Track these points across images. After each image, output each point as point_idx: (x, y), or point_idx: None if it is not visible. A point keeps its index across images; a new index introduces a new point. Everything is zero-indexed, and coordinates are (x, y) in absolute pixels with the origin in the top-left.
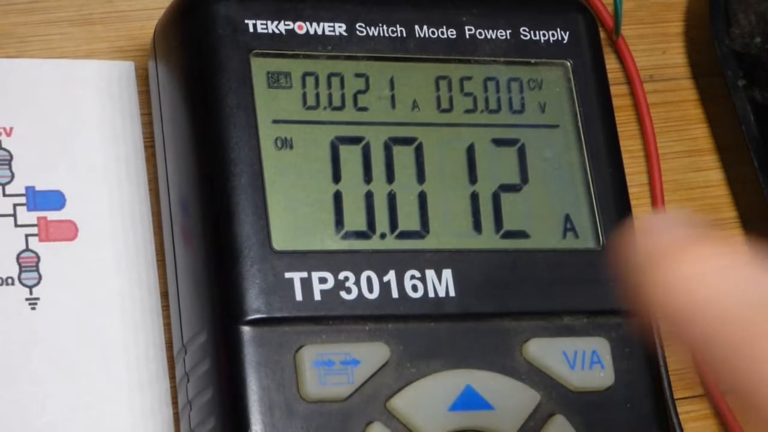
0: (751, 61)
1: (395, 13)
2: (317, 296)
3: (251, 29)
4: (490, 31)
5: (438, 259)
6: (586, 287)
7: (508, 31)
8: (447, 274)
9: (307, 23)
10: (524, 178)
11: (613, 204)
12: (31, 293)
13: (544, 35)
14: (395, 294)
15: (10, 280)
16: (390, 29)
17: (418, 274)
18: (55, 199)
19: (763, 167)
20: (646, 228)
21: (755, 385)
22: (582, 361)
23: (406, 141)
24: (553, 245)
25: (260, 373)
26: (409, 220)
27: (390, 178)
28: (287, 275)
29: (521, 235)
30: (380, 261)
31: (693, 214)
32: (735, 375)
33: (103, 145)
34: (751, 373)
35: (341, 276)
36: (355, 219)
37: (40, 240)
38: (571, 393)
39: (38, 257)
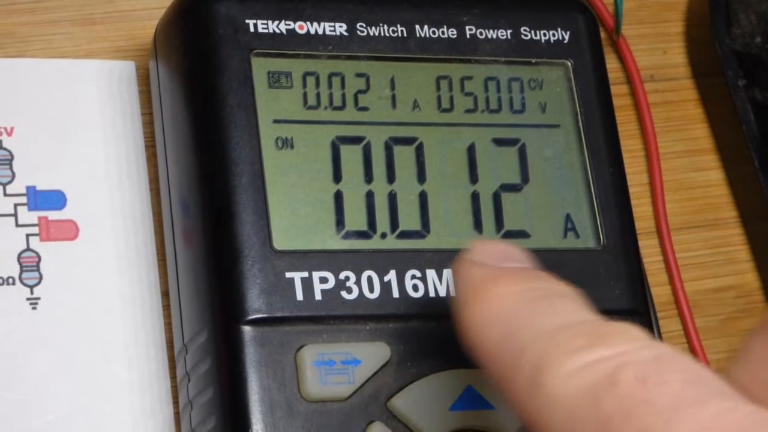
0: (752, 60)
1: (396, 12)
2: (318, 296)
3: (252, 29)
4: (491, 31)
5: (439, 259)
6: (587, 287)
7: (509, 31)
8: (448, 273)
9: (308, 23)
10: (525, 178)
11: (614, 204)
12: (32, 293)
13: (544, 35)
14: (396, 294)
15: (11, 280)
16: (391, 29)
17: (418, 273)
18: (55, 199)
19: (764, 167)
20: (460, 262)
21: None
22: None
23: (407, 141)
24: (554, 245)
25: (261, 373)
26: (409, 219)
27: (391, 177)
28: (288, 275)
29: (522, 234)
30: (381, 261)
31: (510, 245)
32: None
33: (104, 145)
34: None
35: (342, 276)
36: (356, 219)
37: (41, 240)
38: None
39: (39, 257)
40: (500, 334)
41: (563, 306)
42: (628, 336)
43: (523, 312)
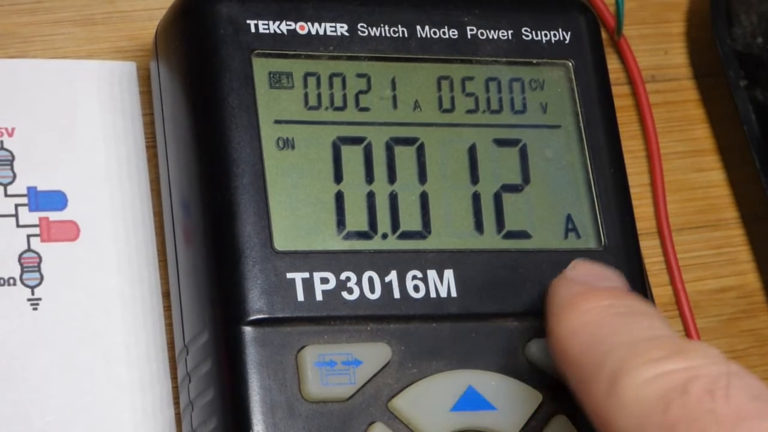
0: (753, 61)
1: (397, 13)
2: (319, 296)
3: (253, 29)
4: (492, 32)
5: (440, 260)
6: None
7: (510, 32)
8: (449, 274)
9: (309, 23)
10: (526, 179)
11: (615, 204)
12: (32, 294)
13: (545, 35)
14: (397, 294)
15: (12, 281)
16: (392, 29)
17: (419, 274)
18: (56, 200)
19: (765, 167)
20: (557, 279)
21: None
22: None
23: (408, 141)
24: (555, 245)
25: (262, 374)
26: (410, 220)
27: (392, 178)
28: (289, 275)
29: (523, 235)
30: (382, 261)
31: (608, 268)
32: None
33: (105, 146)
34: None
35: (343, 276)
36: (357, 219)
37: (42, 240)
38: None
39: (40, 258)
40: (585, 343)
41: (646, 322)
42: (703, 352)
43: (609, 324)
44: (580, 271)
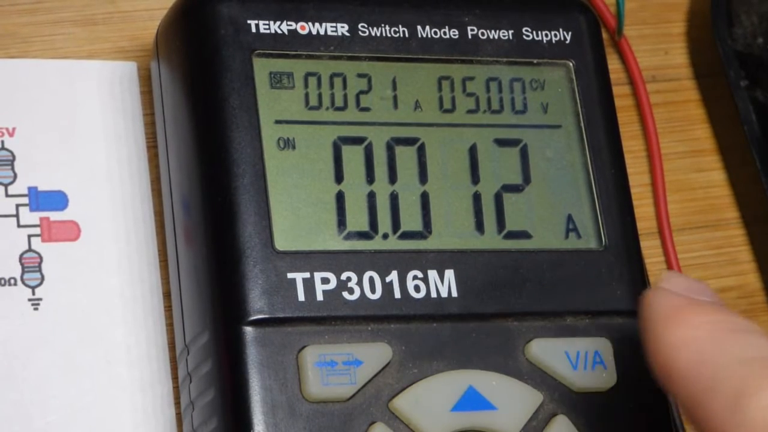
0: (754, 61)
1: (398, 13)
2: (320, 296)
3: (254, 29)
4: (493, 32)
5: (440, 260)
6: (589, 288)
7: (511, 32)
8: (449, 274)
9: (310, 23)
10: (526, 179)
11: (616, 204)
12: (33, 294)
13: (546, 35)
14: (397, 294)
15: (12, 281)
16: (392, 29)
17: (420, 274)
18: (57, 200)
19: (765, 168)
20: (655, 290)
21: None
22: (585, 361)
23: (409, 141)
24: (556, 245)
25: (263, 374)
26: (411, 220)
27: (392, 178)
28: (290, 275)
29: (523, 235)
30: (382, 261)
31: (703, 283)
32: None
33: (106, 146)
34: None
35: (344, 276)
36: (358, 219)
37: (43, 240)
38: (574, 393)
39: (41, 258)
40: (695, 358)
41: (759, 340)
42: None
43: (720, 340)
44: (676, 283)
